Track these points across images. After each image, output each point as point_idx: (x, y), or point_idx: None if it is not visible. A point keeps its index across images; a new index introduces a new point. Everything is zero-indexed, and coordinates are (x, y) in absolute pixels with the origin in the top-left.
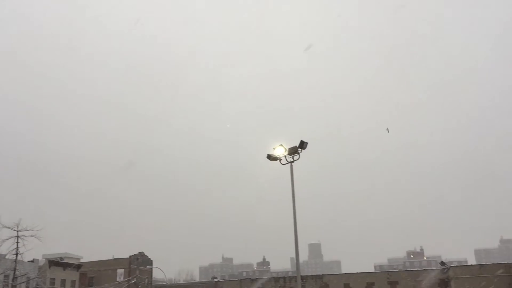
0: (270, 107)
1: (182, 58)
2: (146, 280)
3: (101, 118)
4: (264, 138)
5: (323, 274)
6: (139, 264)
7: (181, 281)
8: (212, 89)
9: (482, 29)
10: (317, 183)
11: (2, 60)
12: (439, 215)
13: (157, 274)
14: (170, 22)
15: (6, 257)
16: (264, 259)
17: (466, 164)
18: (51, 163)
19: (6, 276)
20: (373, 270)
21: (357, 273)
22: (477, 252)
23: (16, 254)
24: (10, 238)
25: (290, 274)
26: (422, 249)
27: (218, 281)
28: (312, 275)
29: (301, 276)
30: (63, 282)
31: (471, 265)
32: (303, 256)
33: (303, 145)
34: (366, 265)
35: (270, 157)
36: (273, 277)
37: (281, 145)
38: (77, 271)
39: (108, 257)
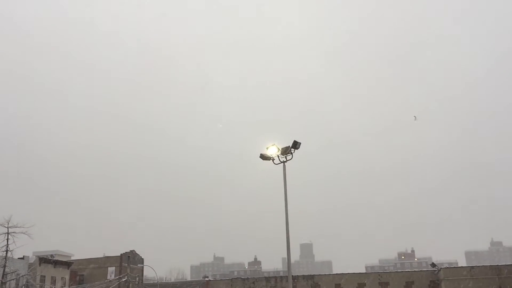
0: (265, 112)
1: (170, 60)
2: (137, 278)
3: (93, 121)
4: (256, 139)
5: (314, 274)
6: (130, 263)
7: (172, 280)
8: (204, 93)
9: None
10: (309, 184)
11: None
12: (430, 217)
13: (148, 273)
14: (156, 20)
15: None
16: (255, 258)
17: (457, 167)
18: (42, 162)
19: None
20: (364, 271)
21: (348, 273)
22: (468, 254)
23: (7, 251)
24: (1, 234)
25: (281, 274)
26: (413, 251)
27: (209, 280)
28: (303, 275)
29: (293, 276)
30: (53, 279)
31: (461, 267)
32: (295, 256)
33: (296, 145)
34: (357, 266)
35: (263, 157)
36: (265, 277)
37: (274, 144)
38: (68, 268)
39: (99, 255)
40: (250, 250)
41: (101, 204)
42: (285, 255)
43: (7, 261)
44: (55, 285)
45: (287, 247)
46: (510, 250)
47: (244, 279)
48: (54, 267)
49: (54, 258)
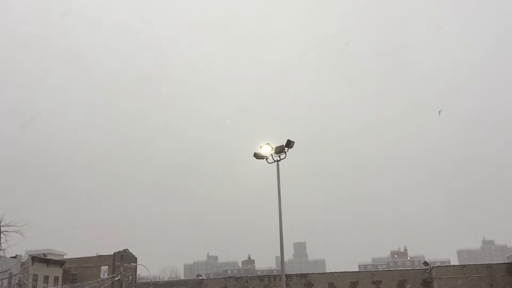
0: (257, 107)
1: (166, 55)
2: (130, 277)
3: (82, 118)
4: (250, 138)
5: (307, 273)
6: (123, 261)
7: (166, 279)
8: (197, 88)
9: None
10: (303, 183)
11: None
12: (423, 216)
13: (141, 272)
14: (155, 17)
15: None
16: (249, 257)
17: (449, 166)
18: (34, 161)
19: None
20: (357, 270)
21: (341, 272)
22: (460, 253)
23: None
24: None
25: (275, 273)
26: (406, 249)
27: (203, 279)
28: (296, 274)
29: (286, 274)
30: (46, 278)
31: (454, 265)
32: (288, 255)
33: (290, 144)
34: (350, 265)
35: (256, 156)
36: (258, 276)
37: (268, 143)
38: (61, 267)
39: (92, 254)
40: (244, 249)
41: (95, 202)
42: (279, 254)
43: (0, 260)
44: (47, 284)
45: (280, 246)
46: (501, 249)
47: (237, 278)
48: (47, 266)
49: (47, 257)
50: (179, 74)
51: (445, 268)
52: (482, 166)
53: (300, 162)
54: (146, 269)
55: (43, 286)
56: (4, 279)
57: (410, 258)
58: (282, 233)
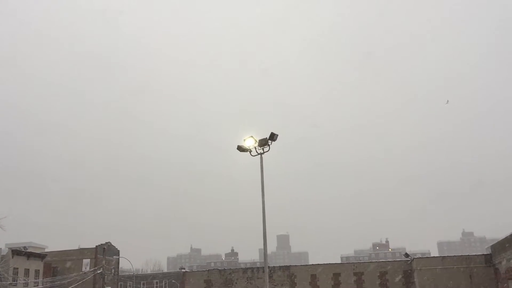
0: (241, 103)
1: (152, 51)
2: (113, 270)
3: (67, 112)
4: (235, 130)
5: (290, 265)
6: (105, 254)
7: (149, 272)
8: (183, 85)
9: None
10: (286, 176)
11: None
12: (404, 208)
13: (124, 265)
14: (140, 12)
15: None
16: (232, 250)
17: (429, 158)
18: (15, 154)
19: None
20: (339, 261)
21: (323, 264)
22: (440, 245)
23: None
24: None
25: (258, 265)
26: (387, 241)
27: (186, 271)
28: (279, 266)
29: (269, 267)
30: (26, 271)
31: (434, 257)
32: (272, 247)
33: (273, 137)
34: (333, 257)
35: (240, 149)
36: (241, 268)
37: (252, 136)
38: (42, 261)
39: (74, 246)
40: (227, 241)
41: (77, 195)
42: (262, 247)
43: None
44: (28, 277)
45: (263, 238)
46: (480, 241)
47: (220, 271)
48: (28, 259)
49: (27, 250)
50: (167, 69)
51: (425, 259)
52: (461, 160)
53: (284, 155)
54: (128, 262)
55: (24, 279)
56: None
57: (391, 250)
58: (265, 226)
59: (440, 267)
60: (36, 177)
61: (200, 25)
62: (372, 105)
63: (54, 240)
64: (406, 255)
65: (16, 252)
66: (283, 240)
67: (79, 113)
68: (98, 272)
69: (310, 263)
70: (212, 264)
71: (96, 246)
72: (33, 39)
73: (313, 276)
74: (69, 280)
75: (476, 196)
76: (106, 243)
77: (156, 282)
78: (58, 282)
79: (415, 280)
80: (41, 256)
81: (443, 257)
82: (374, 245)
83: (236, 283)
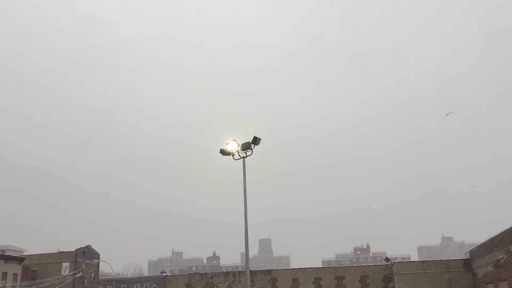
0: (227, 104)
1: (130, 50)
2: (93, 274)
3: (50, 114)
4: (218, 133)
5: (272, 269)
6: (85, 258)
7: (129, 276)
8: (168, 85)
9: None
10: (270, 179)
11: None
12: (386, 213)
13: (104, 268)
14: (120, 13)
15: None
16: (214, 254)
17: (409, 165)
18: None
19: None
20: (321, 266)
21: (305, 268)
22: (420, 249)
23: None
24: None
25: (240, 269)
26: (368, 246)
27: (167, 275)
28: (261, 270)
29: (251, 271)
30: (4, 275)
31: (413, 261)
32: (253, 251)
33: (256, 141)
34: (314, 261)
35: (223, 152)
36: (223, 272)
37: (234, 140)
38: (20, 264)
39: (53, 250)
40: (209, 245)
41: (57, 198)
42: (244, 250)
43: None
44: (6, 281)
45: (245, 242)
46: (459, 245)
47: (202, 274)
48: (5, 262)
49: (5, 253)
50: (150, 70)
51: (405, 264)
52: (441, 165)
53: (270, 162)
54: (109, 266)
55: (1, 284)
56: None
57: (372, 254)
58: (247, 230)
59: (419, 271)
60: (15, 178)
61: (188, 25)
62: (359, 109)
63: (34, 244)
64: (387, 259)
65: None
66: (265, 244)
67: (62, 114)
68: (78, 276)
69: (292, 267)
70: (194, 268)
71: (76, 249)
72: (16, 37)
73: (295, 280)
74: (48, 284)
75: (456, 201)
76: (86, 246)
77: (137, 286)
78: (37, 286)
79: (395, 284)
80: (19, 259)
81: (423, 261)
82: (355, 250)
83: (217, 287)
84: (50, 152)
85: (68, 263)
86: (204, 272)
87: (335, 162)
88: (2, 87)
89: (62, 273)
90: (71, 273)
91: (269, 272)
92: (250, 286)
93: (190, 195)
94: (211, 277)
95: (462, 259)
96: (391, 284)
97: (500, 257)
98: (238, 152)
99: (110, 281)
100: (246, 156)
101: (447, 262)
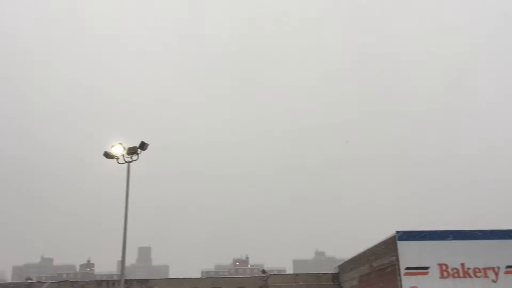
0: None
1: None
2: None
3: None
4: (104, 138)
5: (149, 279)
6: None
7: None
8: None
9: None
10: (152, 187)
11: None
12: (267, 227)
13: None
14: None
15: None
16: (89, 261)
17: (288, 184)
18: None
19: None
20: (199, 276)
21: (183, 278)
22: (295, 263)
23: None
24: None
25: (115, 278)
26: (247, 258)
27: (33, 282)
28: (137, 279)
29: (126, 279)
30: None
31: (288, 274)
32: (132, 259)
33: (143, 146)
34: (194, 271)
35: (107, 155)
36: (96, 280)
37: (121, 143)
38: None
39: None
40: (84, 252)
41: None
42: (121, 258)
43: None
44: None
45: (122, 249)
46: (330, 260)
47: (73, 282)
48: None
49: None
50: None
51: (280, 276)
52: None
53: (154, 167)
54: None
55: None
56: None
57: (250, 266)
58: (125, 237)
59: (293, 283)
60: None
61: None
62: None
63: None
64: (263, 271)
65: None
66: (144, 253)
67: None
68: None
69: (170, 276)
70: (64, 275)
71: None
72: None
73: None
74: None
75: (330, 215)
76: None
77: None
78: None
79: None
80: None
81: (297, 274)
82: (235, 261)
83: None
84: None
85: None
86: (75, 280)
87: (217, 170)
88: None
89: None
90: None
91: (145, 281)
92: None
93: (65, 198)
94: (83, 285)
95: (331, 273)
96: None
97: (365, 272)
98: (124, 156)
99: None
100: (132, 160)
101: (318, 276)
